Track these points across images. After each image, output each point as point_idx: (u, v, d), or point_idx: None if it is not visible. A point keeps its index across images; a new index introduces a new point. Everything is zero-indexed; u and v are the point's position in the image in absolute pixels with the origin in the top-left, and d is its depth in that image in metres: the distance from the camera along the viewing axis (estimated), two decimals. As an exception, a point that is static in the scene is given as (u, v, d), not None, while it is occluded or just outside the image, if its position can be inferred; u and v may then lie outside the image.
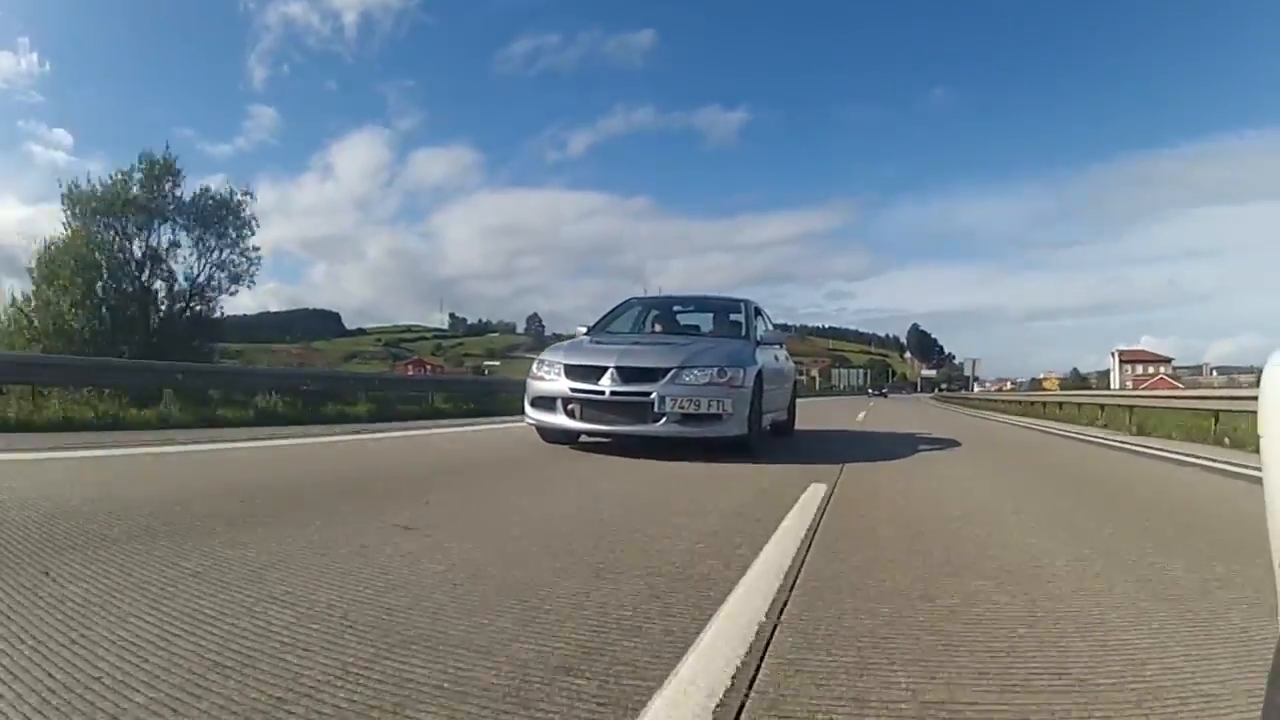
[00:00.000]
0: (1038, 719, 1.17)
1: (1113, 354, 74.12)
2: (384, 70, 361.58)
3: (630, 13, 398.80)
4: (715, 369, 4.87)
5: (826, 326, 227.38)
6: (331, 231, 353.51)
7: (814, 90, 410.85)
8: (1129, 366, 68.57)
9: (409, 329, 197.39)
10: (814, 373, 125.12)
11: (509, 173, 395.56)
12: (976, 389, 57.83)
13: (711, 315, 6.60)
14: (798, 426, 7.69)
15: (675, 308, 6.82)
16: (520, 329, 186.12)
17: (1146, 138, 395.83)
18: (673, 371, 4.79)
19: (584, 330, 6.10)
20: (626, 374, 4.82)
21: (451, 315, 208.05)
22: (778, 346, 6.61)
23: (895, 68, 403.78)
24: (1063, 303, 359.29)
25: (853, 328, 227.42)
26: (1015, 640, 1.53)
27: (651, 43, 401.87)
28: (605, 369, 4.85)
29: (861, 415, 15.15)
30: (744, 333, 5.99)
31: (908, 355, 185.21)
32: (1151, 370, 65.15)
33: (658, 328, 6.34)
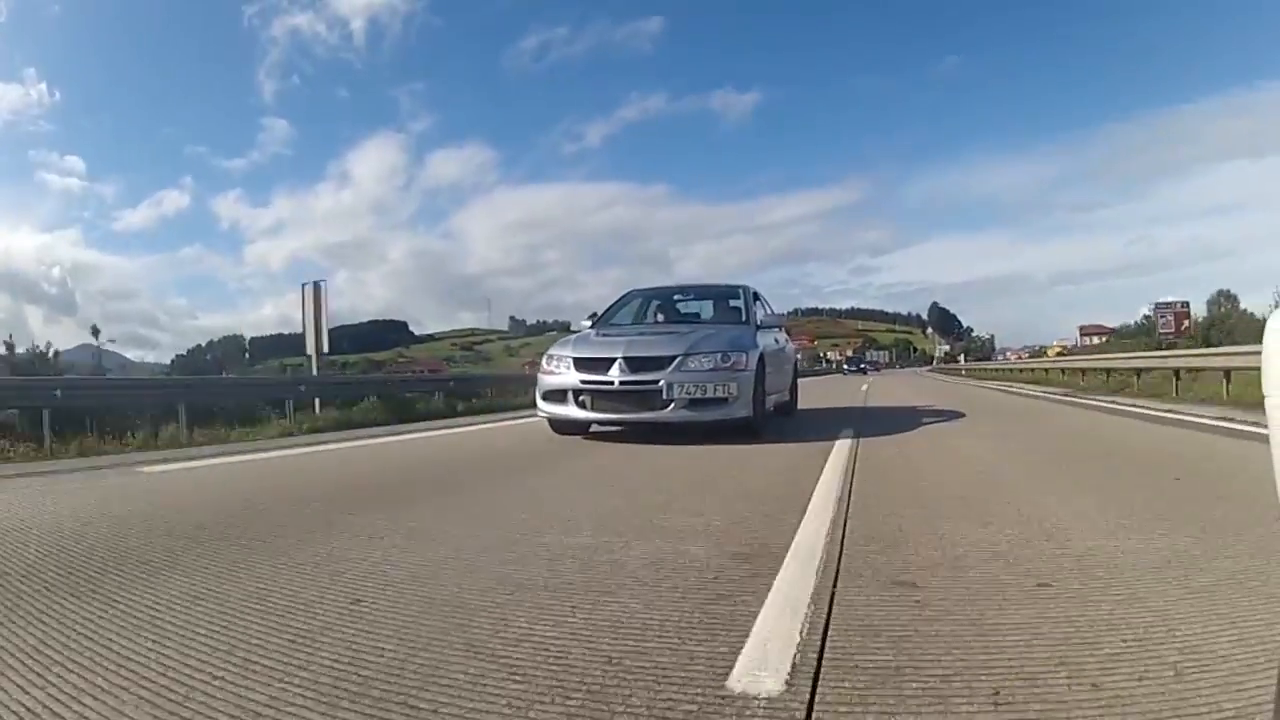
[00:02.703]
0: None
1: (1078, 327, 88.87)
2: (394, 74, 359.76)
3: (637, 0, 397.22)
4: (719, 354, 4.84)
5: (854, 308, 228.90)
6: (351, 238, 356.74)
7: (826, 65, 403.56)
8: (1088, 338, 78.81)
9: (472, 332, 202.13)
10: (849, 352, 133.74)
11: (525, 168, 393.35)
12: (998, 359, 61.60)
13: (711, 302, 6.53)
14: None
15: (675, 297, 6.79)
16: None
17: (1162, 94, 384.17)
18: (678, 359, 4.76)
19: (588, 324, 6.09)
20: (634, 364, 4.81)
21: (511, 318, 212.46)
22: (777, 330, 6.52)
23: (907, 37, 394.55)
24: (1087, 266, 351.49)
25: (878, 307, 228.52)
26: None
27: (660, 29, 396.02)
28: (613, 360, 4.84)
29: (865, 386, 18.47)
30: (744, 318, 5.91)
31: (929, 332, 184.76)
32: (1099, 340, 73.90)
33: (660, 317, 6.34)
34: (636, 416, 4.85)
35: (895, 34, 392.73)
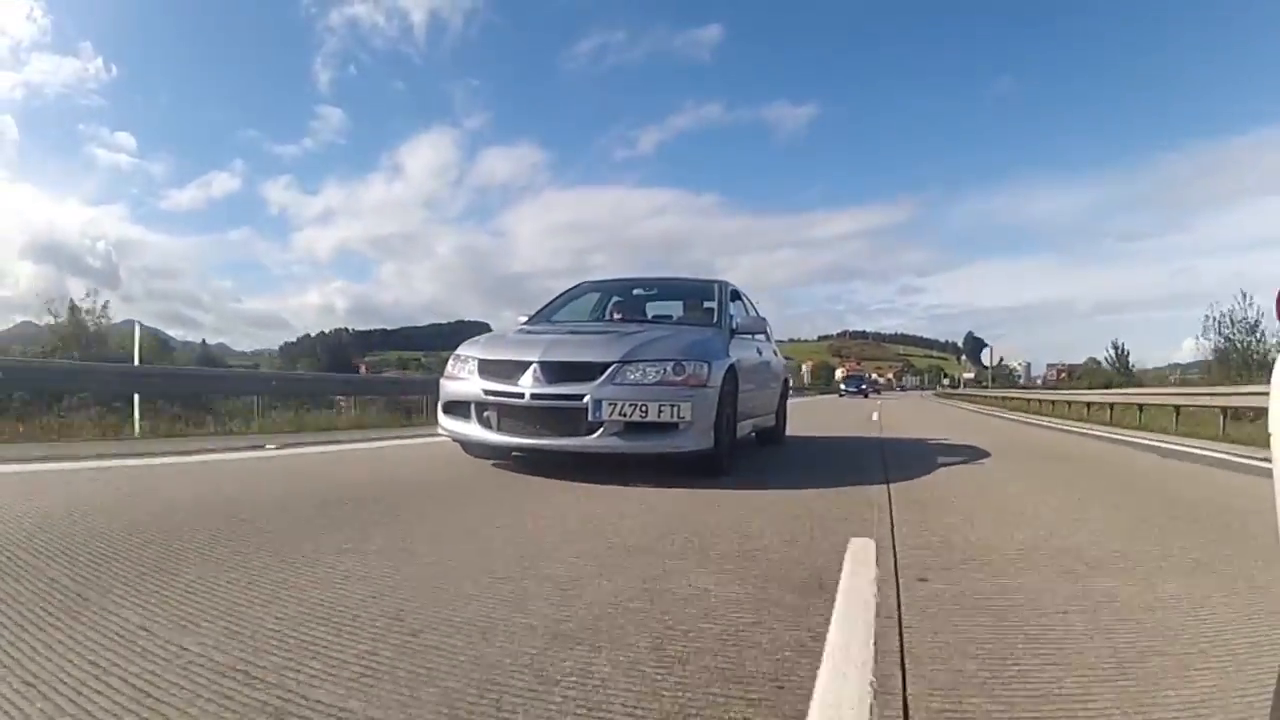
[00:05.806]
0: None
1: (1047, 365, 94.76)
2: (452, 70, 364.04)
3: (696, 8, 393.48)
4: (670, 364, 3.40)
5: (898, 333, 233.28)
6: (400, 230, 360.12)
7: (881, 83, 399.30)
8: (1054, 373, 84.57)
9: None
10: (889, 375, 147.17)
11: (577, 171, 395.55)
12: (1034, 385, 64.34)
13: (681, 302, 5.06)
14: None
15: (636, 291, 5.29)
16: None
17: (1210, 125, 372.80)
18: (613, 367, 3.34)
19: (523, 320, 4.66)
20: (553, 371, 3.40)
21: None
22: (761, 337, 5.00)
23: (962, 57, 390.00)
24: (1130, 296, 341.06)
25: (921, 328, 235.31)
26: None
27: (718, 38, 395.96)
28: (527, 365, 3.44)
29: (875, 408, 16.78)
30: (715, 319, 4.43)
31: (963, 358, 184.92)
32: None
33: (618, 317, 4.83)
34: (553, 443, 3.38)
35: (950, 52, 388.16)
